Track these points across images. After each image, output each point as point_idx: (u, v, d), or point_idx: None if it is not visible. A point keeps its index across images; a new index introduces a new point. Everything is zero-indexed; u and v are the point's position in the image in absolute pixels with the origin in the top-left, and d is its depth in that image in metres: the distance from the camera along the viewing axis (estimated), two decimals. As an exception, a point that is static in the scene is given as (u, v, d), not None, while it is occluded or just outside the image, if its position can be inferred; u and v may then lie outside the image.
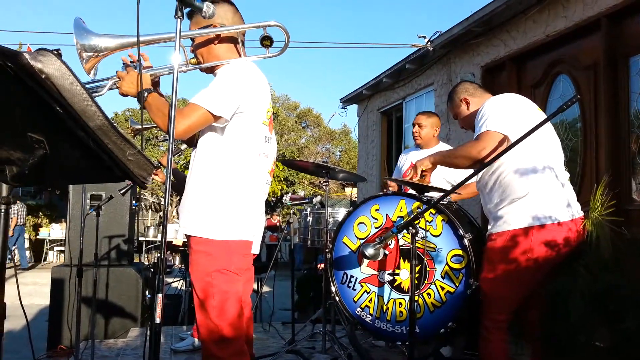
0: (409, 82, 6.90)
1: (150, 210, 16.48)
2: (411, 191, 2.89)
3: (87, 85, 1.93)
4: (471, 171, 2.39)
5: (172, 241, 13.06)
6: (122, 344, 4.16)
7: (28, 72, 0.95)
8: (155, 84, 2.04)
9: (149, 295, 5.03)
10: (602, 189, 3.09)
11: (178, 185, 3.89)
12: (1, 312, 1.22)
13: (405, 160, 3.90)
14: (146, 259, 13.05)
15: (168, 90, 1.84)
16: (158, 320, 1.72)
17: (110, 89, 1.95)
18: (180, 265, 10.15)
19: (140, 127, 2.10)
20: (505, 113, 2.25)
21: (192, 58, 2.06)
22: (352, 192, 17.00)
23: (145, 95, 1.86)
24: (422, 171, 2.46)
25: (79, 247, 3.29)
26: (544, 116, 2.34)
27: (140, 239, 12.04)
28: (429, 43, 5.75)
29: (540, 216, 2.20)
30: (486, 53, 5.17)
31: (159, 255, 1.75)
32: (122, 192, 3.44)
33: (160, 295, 1.73)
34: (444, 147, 3.78)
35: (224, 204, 1.93)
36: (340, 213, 3.97)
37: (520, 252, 2.21)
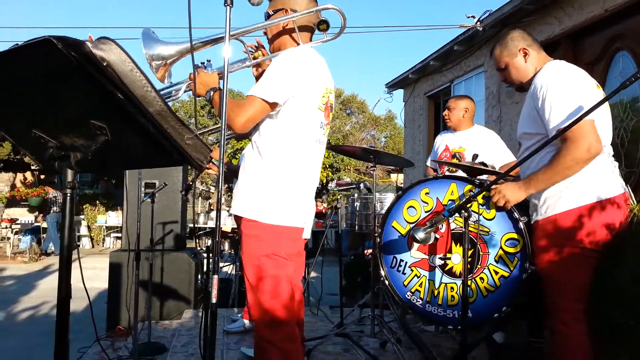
0: (458, 65, 6.73)
1: (200, 197, 16.91)
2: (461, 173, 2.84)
3: (163, 91, 2.06)
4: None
5: (221, 227, 13.39)
6: (176, 325, 4.32)
7: (91, 60, 0.99)
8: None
9: (201, 279, 5.20)
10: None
11: (230, 175, 4.01)
12: (68, 290, 1.29)
13: (441, 142, 3.90)
14: (197, 244, 13.43)
15: (232, 85, 1.92)
16: (214, 300, 1.77)
17: (185, 91, 2.05)
18: (230, 250, 10.40)
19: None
20: (578, 97, 2.07)
21: (252, 52, 2.14)
22: (397, 178, 16.85)
23: (212, 94, 1.93)
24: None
25: (136, 232, 3.42)
26: (601, 94, 2.22)
27: (191, 225, 12.36)
28: (478, 23, 5.58)
29: (600, 194, 2.07)
30: (539, 31, 4.97)
31: (210, 240, 1.81)
32: (182, 192, 3.57)
33: (215, 277, 1.78)
34: (479, 130, 3.73)
35: (276, 188, 1.96)
36: (388, 198, 3.95)
37: (585, 232, 2.08)
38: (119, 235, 13.71)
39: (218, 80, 2.01)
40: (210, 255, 3.35)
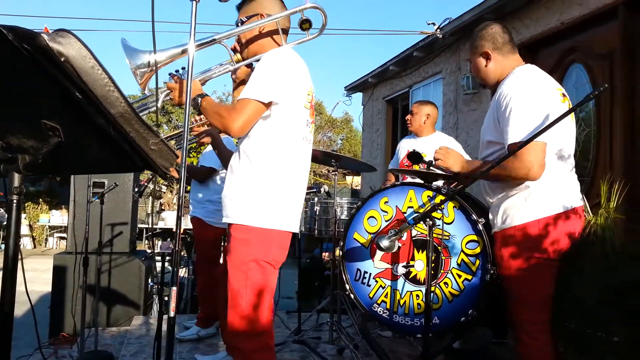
0: (417, 70, 6.81)
1: (150, 197, 16.42)
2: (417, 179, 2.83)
3: (137, 101, 1.98)
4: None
5: (172, 229, 13.08)
6: (125, 332, 4.13)
7: (46, 54, 0.88)
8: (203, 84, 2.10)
9: (151, 284, 5.01)
10: (607, 184, 3.03)
11: (190, 177, 3.87)
12: (11, 307, 1.17)
13: (402, 148, 3.91)
14: (146, 246, 13.03)
15: (214, 87, 1.86)
16: (172, 313, 1.67)
17: (163, 100, 2.00)
18: (182, 253, 10.13)
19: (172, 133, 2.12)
20: (538, 111, 2.01)
21: (234, 54, 2.12)
22: (352, 180, 16.95)
23: (199, 100, 1.92)
24: (437, 161, 2.31)
25: (84, 235, 3.24)
26: (566, 105, 2.21)
27: (140, 226, 11.99)
28: (438, 30, 5.65)
29: (562, 204, 2.07)
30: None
31: (160, 241, 1.74)
32: (136, 193, 3.41)
33: (174, 288, 1.68)
34: (440, 137, 3.77)
35: (268, 191, 1.94)
36: (348, 202, 3.92)
37: (544, 243, 2.06)
38: (63, 235, 13.14)
39: (201, 87, 2.00)
40: (166, 260, 3.23)
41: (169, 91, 2.02)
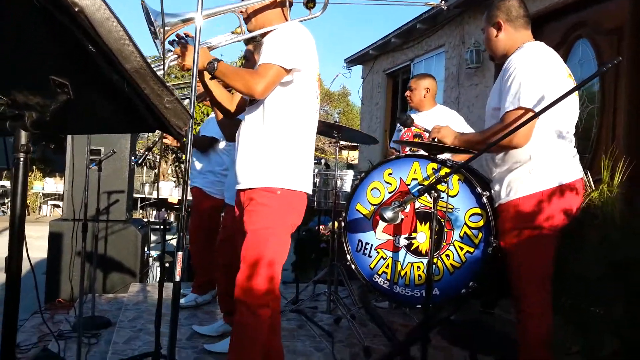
0: (419, 43, 6.71)
1: (145, 167, 16.35)
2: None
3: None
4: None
5: (167, 199, 13.05)
6: (122, 299, 4.14)
7: (58, 4, 0.83)
8: None
9: (147, 252, 5.01)
10: (611, 159, 3.02)
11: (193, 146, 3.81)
12: (19, 267, 1.15)
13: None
14: (141, 215, 13.01)
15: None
16: (178, 278, 1.67)
17: (169, 65, 2.01)
18: (176, 222, 10.13)
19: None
20: (541, 85, 2.04)
21: (238, 27, 2.14)
22: (348, 155, 16.91)
23: (216, 65, 1.93)
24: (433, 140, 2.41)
25: (82, 201, 3.20)
26: (571, 83, 2.21)
27: (136, 195, 11.96)
28: (442, 2, 5.55)
29: (560, 178, 2.08)
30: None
31: (154, 211, 1.75)
32: (139, 161, 3.37)
33: (180, 253, 1.67)
34: (441, 110, 3.72)
35: (287, 155, 2.01)
36: (348, 175, 3.90)
37: (542, 215, 2.08)
38: (57, 203, 13.08)
39: (209, 54, 2.01)
40: (168, 228, 3.21)
41: (175, 56, 2.02)
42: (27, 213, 13.12)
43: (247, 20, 2.14)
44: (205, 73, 2.01)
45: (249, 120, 2.10)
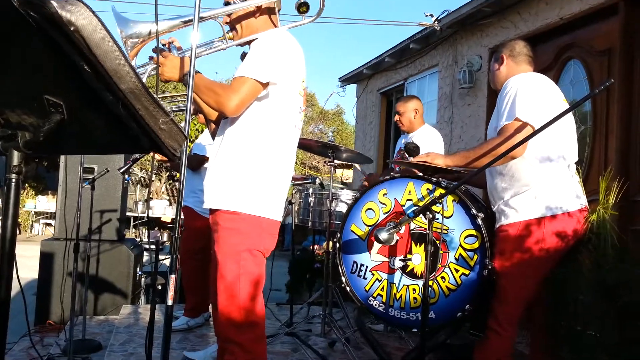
0: (412, 63, 6.77)
1: (138, 185, 16.27)
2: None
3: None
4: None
5: (160, 217, 12.97)
6: (113, 321, 4.07)
7: (54, 23, 0.82)
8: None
9: (139, 272, 4.94)
10: (606, 181, 3.04)
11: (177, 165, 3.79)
12: (8, 290, 1.12)
13: (397, 145, 3.89)
14: (134, 234, 12.90)
15: (198, 68, 1.79)
16: (170, 301, 1.63)
17: (149, 75, 1.88)
18: (169, 242, 10.04)
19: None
20: (532, 99, 2.15)
21: (228, 31, 1.99)
22: (342, 173, 16.92)
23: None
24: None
25: (75, 221, 3.17)
26: (565, 104, 2.29)
27: (128, 214, 11.88)
28: (436, 22, 5.61)
29: (552, 206, 2.17)
30: (495, 35, 5.06)
31: (147, 231, 1.70)
32: (121, 170, 3.32)
33: (173, 276, 1.64)
34: (428, 129, 3.74)
35: (258, 177, 1.87)
36: (343, 194, 3.88)
37: (533, 242, 2.18)
38: (49, 221, 12.96)
39: (189, 64, 1.88)
40: (161, 248, 3.17)
41: (155, 66, 1.89)
42: (18, 232, 12.98)
43: (232, 29, 2.01)
44: None
45: (219, 137, 1.97)
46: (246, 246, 1.85)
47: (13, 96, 1.04)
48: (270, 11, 2.01)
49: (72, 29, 0.81)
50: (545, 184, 2.17)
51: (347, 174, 16.38)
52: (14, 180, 1.08)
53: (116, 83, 0.89)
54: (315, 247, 5.60)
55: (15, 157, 1.08)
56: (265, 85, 1.83)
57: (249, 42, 1.98)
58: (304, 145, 4.11)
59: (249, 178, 1.87)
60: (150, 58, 1.90)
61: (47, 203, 12.87)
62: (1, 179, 1.17)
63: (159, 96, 2.51)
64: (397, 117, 3.74)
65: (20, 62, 0.96)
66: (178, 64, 1.83)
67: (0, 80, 1.03)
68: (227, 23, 1.99)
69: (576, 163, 2.33)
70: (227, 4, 1.98)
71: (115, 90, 0.90)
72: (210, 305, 3.30)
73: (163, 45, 1.93)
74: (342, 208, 3.67)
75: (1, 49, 0.94)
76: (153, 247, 3.08)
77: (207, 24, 1.96)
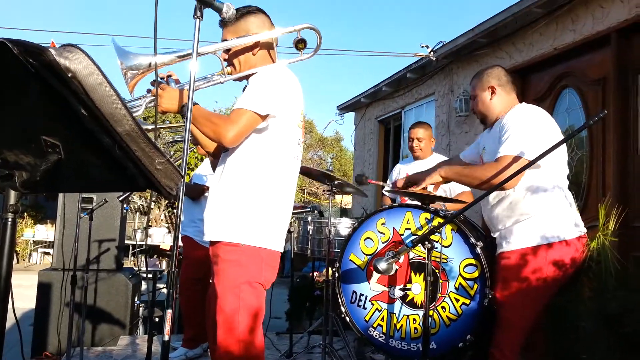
0: (409, 92, 6.85)
1: (137, 213, 16.24)
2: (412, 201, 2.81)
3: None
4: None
5: (159, 245, 12.91)
6: (111, 352, 4.01)
7: (52, 69, 0.84)
8: None
9: (137, 302, 4.90)
10: (606, 207, 3.04)
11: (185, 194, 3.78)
12: (3, 322, 1.12)
13: (399, 172, 3.84)
14: (132, 262, 12.83)
15: (197, 100, 1.79)
16: (167, 337, 1.62)
17: (146, 107, 1.89)
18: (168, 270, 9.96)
19: (150, 127, 2.05)
20: (533, 135, 2.17)
21: (226, 66, 2.01)
22: (342, 199, 16.92)
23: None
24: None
25: (72, 252, 3.16)
26: (560, 135, 2.32)
27: (127, 242, 11.83)
28: (431, 53, 5.70)
29: (549, 235, 2.18)
30: (490, 64, 5.13)
31: (146, 260, 1.69)
32: (121, 199, 3.32)
33: (169, 311, 1.63)
34: (438, 158, 3.73)
35: (257, 208, 1.87)
36: (342, 222, 3.88)
37: (531, 271, 2.18)
38: (48, 250, 12.90)
39: (187, 96, 1.88)
40: (159, 277, 3.15)
41: (152, 98, 1.91)
42: (16, 261, 12.91)
43: (229, 64, 2.02)
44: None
45: (220, 167, 1.98)
46: (246, 278, 1.84)
47: (11, 136, 1.06)
48: (268, 46, 2.04)
49: (69, 75, 0.83)
50: (544, 213, 2.19)
51: (347, 200, 16.37)
52: (10, 219, 1.09)
53: (113, 126, 0.91)
54: (315, 274, 5.57)
55: (12, 196, 1.09)
56: (263, 118, 1.84)
57: (247, 77, 2.00)
58: (304, 172, 4.11)
59: (249, 209, 1.87)
60: (149, 91, 1.92)
61: (45, 232, 12.83)
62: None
63: (160, 126, 2.49)
64: (415, 143, 3.66)
65: (19, 104, 0.98)
66: (176, 95, 1.84)
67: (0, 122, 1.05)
68: (225, 59, 2.02)
69: (572, 190, 2.35)
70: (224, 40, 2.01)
71: (112, 133, 0.92)
72: (208, 337, 3.29)
73: (162, 78, 1.95)
74: (341, 235, 3.66)
75: (1, 92, 0.96)
76: (151, 275, 3.06)
77: (206, 58, 1.98)
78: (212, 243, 1.94)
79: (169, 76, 1.96)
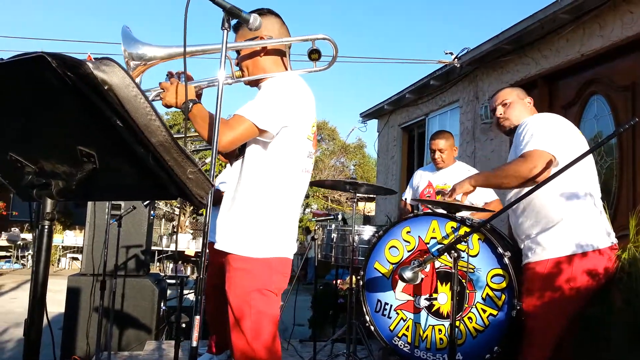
0: (433, 99, 6.82)
1: (163, 219, 16.47)
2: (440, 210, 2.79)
3: None
4: (511, 192, 2.35)
5: (184, 251, 13.06)
6: (137, 357, 4.07)
7: (89, 82, 0.87)
8: (198, 96, 1.98)
9: (164, 307, 4.96)
10: (637, 218, 2.98)
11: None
12: (38, 335, 1.15)
13: (420, 179, 3.80)
14: (158, 268, 13.00)
15: (208, 104, 1.80)
16: (195, 343, 1.64)
17: (153, 100, 1.89)
18: (194, 276, 10.06)
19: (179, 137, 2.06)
20: (552, 133, 2.19)
21: (237, 70, 1.99)
22: (365, 206, 16.86)
23: (191, 105, 1.82)
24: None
25: (102, 257, 3.23)
26: (584, 139, 2.30)
27: (153, 248, 11.99)
28: (455, 60, 5.66)
29: (583, 244, 2.13)
30: (516, 71, 5.07)
31: (172, 265, 1.71)
32: (145, 204, 3.38)
33: (197, 317, 1.65)
34: (461, 166, 3.68)
35: (265, 220, 1.87)
36: (366, 230, 3.87)
37: (563, 280, 2.13)
38: (76, 256, 13.16)
39: (195, 94, 1.91)
40: (185, 282, 3.19)
41: (161, 91, 1.92)
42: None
43: (239, 67, 1.99)
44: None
45: (232, 177, 1.98)
46: (256, 286, 1.85)
47: (48, 146, 1.10)
48: (280, 53, 2.00)
49: (106, 87, 0.86)
50: (573, 220, 2.15)
51: (370, 207, 16.31)
52: (46, 227, 1.12)
53: (147, 137, 0.94)
54: (339, 281, 5.55)
55: (49, 204, 1.12)
56: (261, 132, 1.80)
57: (257, 82, 1.98)
58: (327, 185, 4.11)
59: (257, 223, 1.87)
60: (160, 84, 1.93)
61: (74, 238, 13.10)
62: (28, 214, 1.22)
63: (190, 135, 2.50)
64: (438, 155, 3.63)
65: (56, 115, 1.01)
66: (182, 91, 1.83)
67: (37, 132, 1.09)
68: (237, 64, 2.00)
69: (602, 199, 2.30)
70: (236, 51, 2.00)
71: (146, 144, 0.95)
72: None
73: (175, 72, 1.94)
74: (365, 243, 3.65)
75: (39, 104, 1.00)
76: (174, 281, 3.11)
77: (213, 61, 1.90)
78: (224, 252, 1.95)
79: (182, 73, 1.92)
